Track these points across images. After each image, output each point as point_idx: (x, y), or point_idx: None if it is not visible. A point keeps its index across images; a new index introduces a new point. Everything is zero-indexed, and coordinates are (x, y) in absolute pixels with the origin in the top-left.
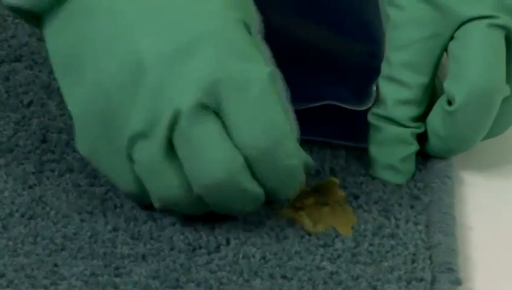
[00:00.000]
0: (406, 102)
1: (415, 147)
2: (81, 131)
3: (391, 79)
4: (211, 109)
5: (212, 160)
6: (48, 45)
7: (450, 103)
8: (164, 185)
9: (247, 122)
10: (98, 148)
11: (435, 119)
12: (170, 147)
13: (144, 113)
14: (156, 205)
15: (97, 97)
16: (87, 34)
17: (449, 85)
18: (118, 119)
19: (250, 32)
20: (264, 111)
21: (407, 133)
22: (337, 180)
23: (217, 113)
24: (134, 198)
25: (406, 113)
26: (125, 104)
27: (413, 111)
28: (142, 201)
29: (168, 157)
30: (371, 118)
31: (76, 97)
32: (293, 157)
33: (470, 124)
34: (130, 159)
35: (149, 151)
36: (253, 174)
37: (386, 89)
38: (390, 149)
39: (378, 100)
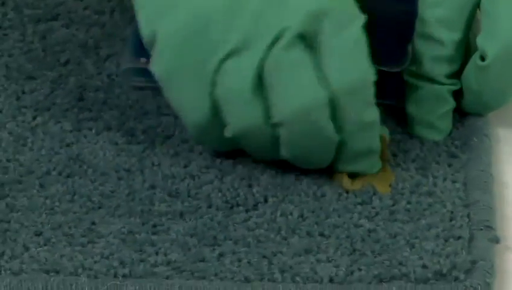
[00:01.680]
0: (440, 59)
1: (451, 103)
2: (164, 52)
3: (425, 36)
4: (309, 39)
5: (299, 88)
6: None
7: (483, 58)
8: (246, 111)
9: (340, 58)
10: (179, 71)
11: (469, 75)
12: (260, 75)
13: (241, 34)
14: (229, 133)
15: (193, 19)
16: None
17: (481, 40)
18: (213, 43)
19: None
20: (357, 54)
21: (444, 90)
22: (387, 137)
23: (314, 46)
24: (200, 132)
25: (441, 70)
26: (224, 26)
27: (449, 68)
28: (206, 137)
29: (256, 83)
30: (407, 76)
31: (168, 20)
32: (372, 111)
33: (502, 78)
34: (214, 84)
35: (239, 74)
36: (334, 118)
37: (421, 46)
38: (427, 106)
39: (414, 58)
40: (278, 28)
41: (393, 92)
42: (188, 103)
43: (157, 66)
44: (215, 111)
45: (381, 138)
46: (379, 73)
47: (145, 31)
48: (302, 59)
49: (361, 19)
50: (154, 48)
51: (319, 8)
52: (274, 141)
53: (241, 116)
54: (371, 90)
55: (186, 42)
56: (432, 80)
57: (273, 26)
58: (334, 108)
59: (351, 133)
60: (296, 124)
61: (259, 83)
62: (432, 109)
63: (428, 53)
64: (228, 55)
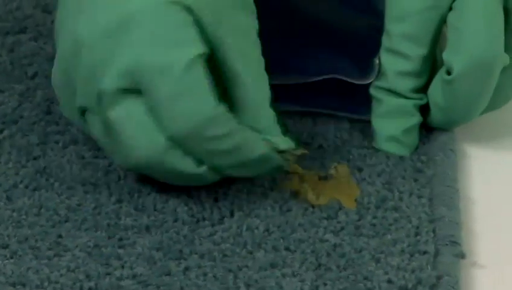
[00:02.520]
0: (406, 74)
1: (417, 118)
2: (56, 68)
3: (391, 51)
4: (134, 91)
5: (133, 140)
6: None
7: (449, 73)
8: (111, 155)
9: (167, 107)
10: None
11: (436, 90)
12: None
13: (81, 90)
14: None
15: (58, 67)
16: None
17: (448, 55)
18: (69, 89)
19: (192, 14)
20: (187, 97)
21: (410, 104)
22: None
23: (142, 94)
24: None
25: (407, 84)
26: (72, 77)
27: (415, 82)
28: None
29: (106, 131)
30: (373, 91)
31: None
32: (229, 140)
33: (468, 93)
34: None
35: (95, 127)
36: (189, 153)
37: (387, 61)
38: (393, 121)
39: (380, 73)
40: (101, 84)
41: (360, 106)
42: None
43: (53, 79)
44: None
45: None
46: (346, 86)
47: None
48: (129, 113)
49: (186, 57)
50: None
51: (135, 63)
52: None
53: (115, 157)
54: (217, 125)
55: (61, 87)
56: (397, 95)
57: (99, 82)
58: (184, 146)
59: (216, 161)
60: (152, 170)
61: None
62: (398, 124)
63: (394, 67)
64: (80, 109)
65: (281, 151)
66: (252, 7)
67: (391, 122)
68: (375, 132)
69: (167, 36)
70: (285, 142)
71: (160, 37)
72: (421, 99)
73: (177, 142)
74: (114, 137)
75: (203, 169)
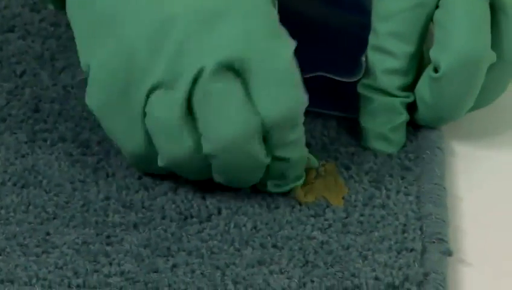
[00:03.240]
0: (393, 71)
1: (404, 116)
2: (95, 85)
3: (378, 49)
4: (236, 70)
5: (229, 117)
6: (71, 11)
7: (436, 70)
8: (175, 142)
9: (267, 91)
10: (110, 103)
11: (423, 87)
12: (188, 106)
13: (167, 65)
14: (161, 163)
15: (122, 51)
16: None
17: (434, 53)
18: (139, 73)
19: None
20: (286, 83)
21: (397, 102)
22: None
23: (242, 76)
24: (137, 160)
25: (394, 82)
26: (149, 57)
27: (401, 80)
28: (143, 164)
29: (185, 114)
30: (360, 89)
31: (98, 52)
32: (299, 129)
33: (455, 91)
34: (144, 115)
35: (167, 105)
36: (263, 142)
37: (374, 59)
38: (380, 119)
39: (367, 71)
40: (204, 58)
41: (347, 104)
42: (121, 134)
43: (89, 99)
44: (147, 142)
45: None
46: (333, 84)
47: (81, 62)
48: (230, 89)
49: (288, 47)
50: (88, 80)
51: (246, 41)
52: (206, 168)
53: (171, 147)
54: (300, 116)
55: (113, 74)
56: (384, 92)
57: (199, 57)
58: (264, 133)
59: (278, 152)
60: (228, 154)
61: (188, 114)
62: (385, 122)
63: (381, 65)
64: (154, 86)
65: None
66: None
67: (378, 120)
68: (363, 129)
69: (273, 26)
70: (315, 161)
71: (266, 26)
72: (408, 97)
73: (264, 128)
74: (199, 113)
75: (268, 160)
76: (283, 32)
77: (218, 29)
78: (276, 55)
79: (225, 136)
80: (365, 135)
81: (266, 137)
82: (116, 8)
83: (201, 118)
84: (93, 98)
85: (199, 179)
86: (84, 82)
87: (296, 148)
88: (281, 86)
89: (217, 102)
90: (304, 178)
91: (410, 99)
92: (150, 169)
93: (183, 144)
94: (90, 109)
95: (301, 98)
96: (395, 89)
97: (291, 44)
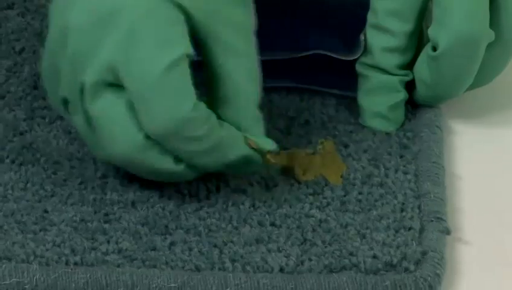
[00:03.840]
0: (392, 50)
1: (403, 94)
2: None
3: (377, 27)
4: (116, 85)
5: (112, 136)
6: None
7: (434, 49)
8: (93, 149)
9: (146, 105)
10: (48, 77)
11: (421, 66)
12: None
13: (66, 82)
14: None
15: (46, 56)
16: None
17: (433, 31)
18: (55, 79)
19: (184, 11)
20: (163, 97)
21: (395, 80)
22: (252, 142)
23: (123, 89)
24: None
25: (392, 61)
26: (57, 68)
27: (400, 59)
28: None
29: (88, 124)
30: (358, 67)
31: (52, 24)
32: (204, 142)
33: (453, 69)
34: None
35: (77, 119)
36: (168, 151)
37: (372, 37)
38: (379, 97)
39: (365, 49)
40: (83, 76)
41: (346, 82)
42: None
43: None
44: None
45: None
46: (332, 62)
47: None
48: (113, 104)
49: (172, 54)
50: None
51: (115, 60)
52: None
53: (93, 152)
54: (193, 126)
55: (47, 78)
56: (383, 71)
57: (82, 74)
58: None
59: (193, 160)
60: (131, 167)
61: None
62: (383, 100)
63: (379, 44)
64: (64, 101)
65: (261, 152)
66: (249, 3)
67: (377, 98)
68: (361, 108)
69: (155, 34)
70: (268, 143)
71: (147, 34)
72: (406, 75)
73: (155, 140)
74: (94, 131)
75: (181, 167)
76: (168, 38)
77: (97, 42)
78: (151, 66)
79: (115, 155)
80: (363, 113)
81: (169, 148)
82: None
83: (99, 135)
84: (42, 68)
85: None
86: None
87: (212, 157)
88: (154, 99)
89: (102, 118)
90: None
91: (409, 78)
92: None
93: (96, 152)
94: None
95: (180, 111)
96: (394, 67)
97: (177, 51)
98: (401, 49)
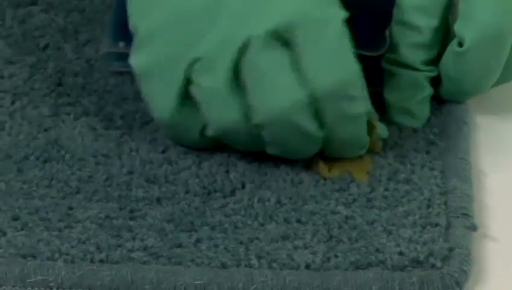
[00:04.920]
0: (418, 45)
1: (429, 90)
2: (142, 47)
3: (403, 23)
4: (284, 40)
5: (277, 88)
6: None
7: (461, 45)
8: (223, 111)
9: (319, 60)
10: (156, 66)
11: (447, 61)
12: (237, 76)
13: (220, 34)
14: (210, 132)
15: (179, 16)
16: None
17: (459, 26)
18: (189, 39)
19: None
20: (338, 54)
21: (421, 76)
22: (375, 123)
23: (291, 46)
24: (169, 128)
25: (418, 56)
26: (201, 25)
27: (426, 54)
28: (176, 133)
29: (232, 83)
30: (385, 64)
31: (155, 14)
32: (359, 105)
33: (480, 65)
34: (187, 81)
35: (213, 74)
36: (316, 115)
37: (398, 33)
38: (405, 93)
39: (391, 45)
40: (252, 29)
41: (372, 79)
42: (159, 99)
43: (136, 59)
44: (184, 108)
45: (370, 125)
46: (359, 58)
47: (131, 22)
48: (279, 60)
49: (340, 16)
50: (134, 41)
51: (293, 13)
52: (257, 139)
53: (220, 116)
54: (357, 87)
55: (163, 38)
56: (409, 67)
57: (249, 27)
58: (316, 106)
59: (335, 127)
60: (277, 126)
61: (236, 84)
62: (410, 96)
63: (405, 40)
64: (203, 54)
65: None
66: None
67: (403, 94)
68: (388, 104)
69: None
70: (384, 130)
71: None
72: (432, 71)
73: (315, 100)
74: (247, 83)
75: (321, 134)
76: (334, 0)
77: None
78: (328, 24)
79: (272, 108)
80: (390, 109)
81: (320, 111)
82: None
83: (249, 89)
84: (140, 59)
85: (251, 150)
86: (106, 55)
87: (354, 126)
88: (332, 56)
89: (265, 73)
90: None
91: (434, 74)
92: (183, 140)
93: (230, 114)
94: (135, 69)
95: (354, 70)
96: (420, 63)
97: (342, 13)
98: (427, 45)
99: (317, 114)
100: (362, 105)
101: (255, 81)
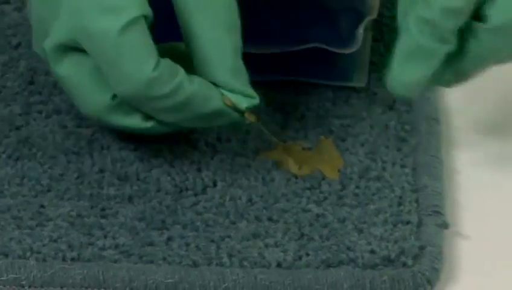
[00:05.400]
0: (452, 11)
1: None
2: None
3: None
4: (77, 49)
5: (79, 97)
6: None
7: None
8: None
9: (108, 69)
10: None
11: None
12: None
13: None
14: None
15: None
16: None
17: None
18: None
19: None
20: (122, 60)
21: (442, 50)
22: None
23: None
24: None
25: (450, 23)
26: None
27: (457, 22)
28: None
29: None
30: (409, 20)
31: None
32: (169, 99)
33: (498, 47)
34: None
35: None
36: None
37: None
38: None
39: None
40: (45, 43)
41: (343, 74)
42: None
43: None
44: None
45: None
46: (329, 55)
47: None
48: (76, 70)
49: (118, 25)
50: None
51: (73, 26)
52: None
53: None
54: (162, 84)
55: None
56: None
57: (43, 41)
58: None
59: (164, 115)
60: (105, 124)
61: None
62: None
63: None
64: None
65: (238, 110)
66: None
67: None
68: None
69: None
70: (243, 101)
71: (98, 0)
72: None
73: (122, 100)
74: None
75: (150, 124)
76: (117, 3)
77: (59, 9)
78: (104, 32)
79: (87, 113)
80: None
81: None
82: None
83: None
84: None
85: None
86: None
87: (173, 115)
88: (114, 61)
89: (67, 84)
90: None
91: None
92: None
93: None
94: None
95: (142, 72)
96: (449, 32)
97: (125, 15)
98: (461, 12)
99: (137, 109)
100: (179, 96)
101: (64, 87)
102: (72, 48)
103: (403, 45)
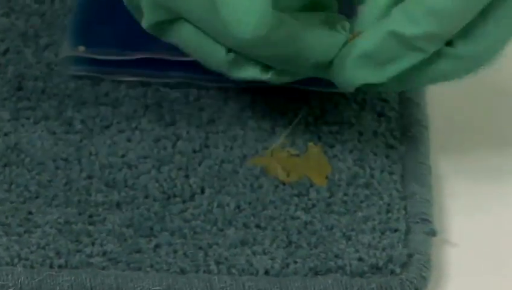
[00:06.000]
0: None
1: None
2: None
3: None
4: (172, 21)
5: (201, 58)
6: None
7: None
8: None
9: (225, 15)
10: None
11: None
12: None
13: None
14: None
15: None
16: None
17: None
18: None
19: None
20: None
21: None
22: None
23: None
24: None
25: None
26: None
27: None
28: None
29: None
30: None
31: None
32: (288, 45)
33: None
34: None
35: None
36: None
37: None
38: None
39: None
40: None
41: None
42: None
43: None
44: None
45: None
46: None
47: None
48: (182, 37)
49: None
50: None
51: None
52: None
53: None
54: (280, 29)
55: None
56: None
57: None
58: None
59: (283, 64)
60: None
61: None
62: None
63: None
64: None
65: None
66: None
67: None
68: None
69: None
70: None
71: None
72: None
73: (239, 51)
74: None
75: (269, 75)
76: None
77: None
78: None
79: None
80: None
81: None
82: None
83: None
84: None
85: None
86: (66, 59)
87: (291, 62)
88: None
89: (183, 48)
90: None
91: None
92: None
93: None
94: None
95: (256, 12)
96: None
97: None
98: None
99: (255, 58)
100: (297, 43)
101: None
102: (166, 22)
103: (363, 45)
